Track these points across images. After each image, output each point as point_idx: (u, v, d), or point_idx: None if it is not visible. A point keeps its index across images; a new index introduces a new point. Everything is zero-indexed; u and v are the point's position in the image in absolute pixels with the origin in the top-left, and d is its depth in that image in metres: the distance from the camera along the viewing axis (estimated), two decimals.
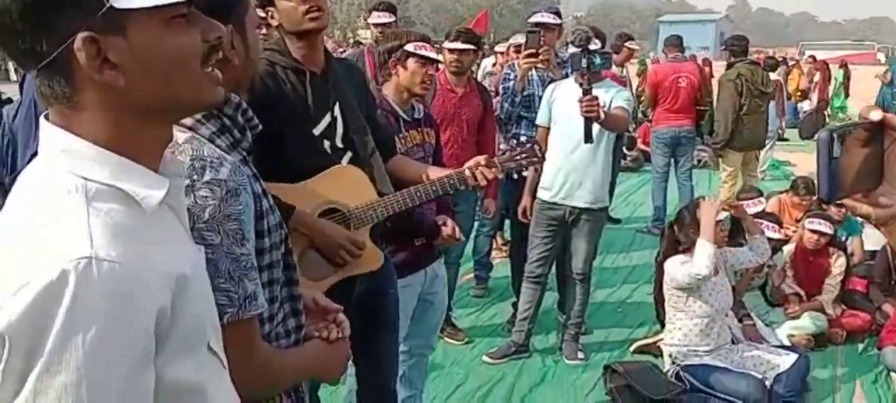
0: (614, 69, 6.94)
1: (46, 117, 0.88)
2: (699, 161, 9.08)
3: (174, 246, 0.90)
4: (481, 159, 2.32)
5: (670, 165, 7.04)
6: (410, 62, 2.82)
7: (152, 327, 0.80)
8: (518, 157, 2.46)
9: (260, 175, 1.33)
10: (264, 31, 2.21)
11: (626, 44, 7.42)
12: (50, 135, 0.87)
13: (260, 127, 1.36)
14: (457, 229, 2.85)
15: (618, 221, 7.26)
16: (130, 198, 0.85)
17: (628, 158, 9.66)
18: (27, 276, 0.75)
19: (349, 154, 2.23)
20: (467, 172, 2.30)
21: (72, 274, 0.74)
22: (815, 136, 0.81)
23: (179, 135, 1.16)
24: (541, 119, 4.07)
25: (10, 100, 3.13)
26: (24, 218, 0.83)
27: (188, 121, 1.23)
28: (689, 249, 3.72)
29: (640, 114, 10.91)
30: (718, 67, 12.06)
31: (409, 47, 2.79)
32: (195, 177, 1.13)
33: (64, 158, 0.85)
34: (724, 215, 3.87)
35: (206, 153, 1.17)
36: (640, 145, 10.88)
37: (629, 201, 8.39)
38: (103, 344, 0.75)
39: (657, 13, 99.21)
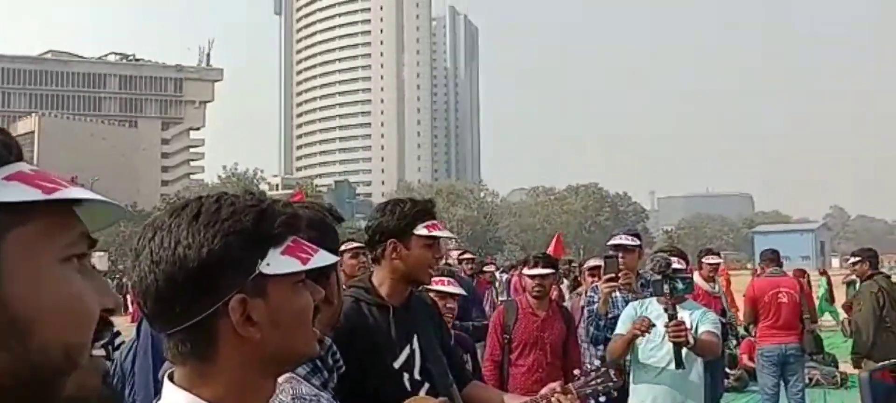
0: (704, 285, 6.86)
1: (170, 378, 0.99)
2: (811, 379, 8.55)
3: None
4: (556, 385, 2.36)
5: (779, 386, 6.69)
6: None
7: None
8: (593, 382, 2.48)
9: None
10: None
11: (704, 259, 7.28)
12: (173, 396, 0.96)
13: (343, 367, 1.50)
14: None
15: None
16: None
17: (732, 377, 9.20)
18: None
19: (427, 385, 2.32)
20: (542, 400, 2.33)
21: None
22: None
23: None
24: (623, 329, 3.93)
25: (118, 333, 3.41)
26: None
27: None
28: None
29: (742, 329, 10.51)
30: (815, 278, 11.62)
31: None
32: None
33: None
34: None
35: (304, 391, 1.32)
36: (745, 362, 10.38)
37: None
38: None
39: (750, 224, 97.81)
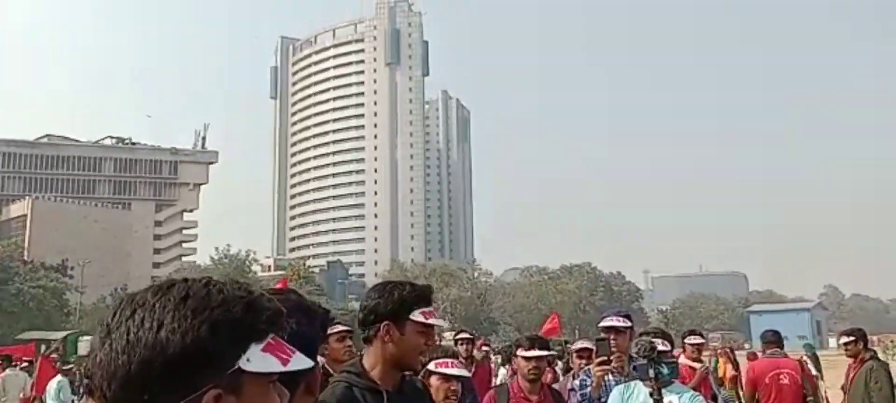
0: (690, 364, 6.83)
1: None
2: None
3: None
4: None
5: None
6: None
7: None
8: None
9: None
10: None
11: (687, 340, 7.18)
12: None
13: None
14: None
15: None
16: None
17: None
18: None
19: None
20: None
21: None
22: None
23: None
24: None
25: None
26: None
27: None
28: None
29: None
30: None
31: (431, 366, 3.01)
32: None
33: None
34: None
35: None
36: None
37: None
38: None
39: (745, 303, 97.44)
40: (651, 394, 3.59)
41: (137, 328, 0.87)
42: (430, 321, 2.36)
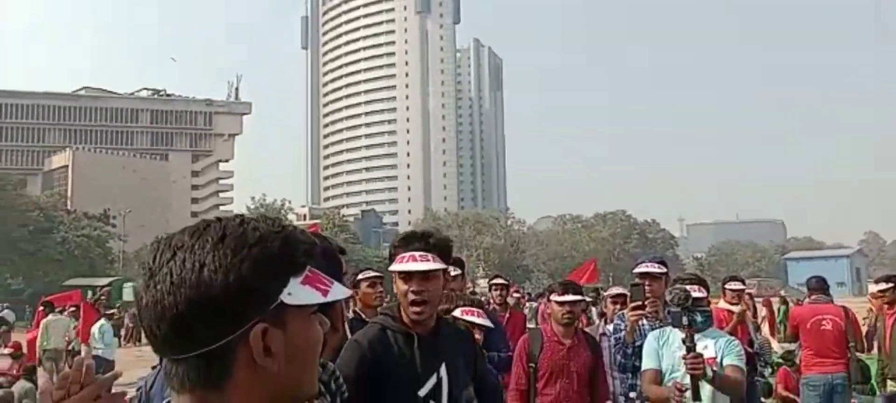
0: (730, 309, 6.77)
1: None
2: None
3: None
4: None
5: None
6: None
7: None
8: None
9: None
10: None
11: (727, 286, 7.09)
12: None
13: (347, 394, 1.52)
14: None
15: None
16: None
17: None
18: None
19: None
20: None
21: None
22: None
23: None
24: (650, 362, 3.90)
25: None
26: None
27: None
28: None
29: (777, 357, 10.28)
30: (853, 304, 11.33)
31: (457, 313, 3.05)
32: None
33: None
34: None
35: None
36: (780, 391, 10.13)
37: None
38: None
39: (782, 251, 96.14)
40: (684, 341, 3.58)
41: (180, 269, 0.89)
42: (395, 267, 2.36)
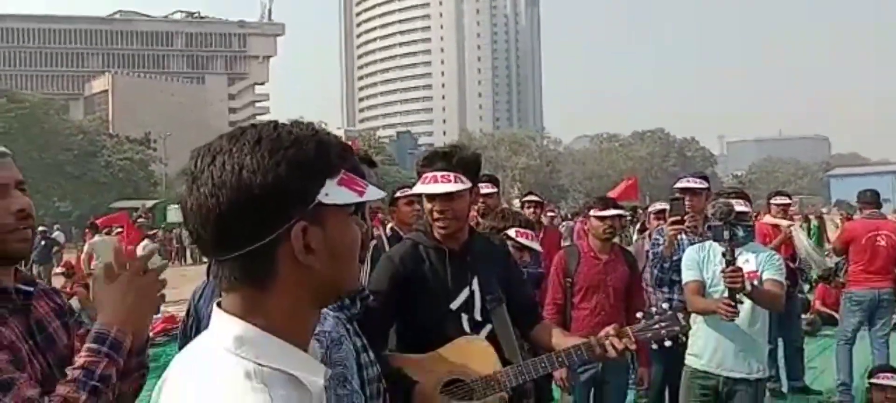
0: (775, 223, 6.71)
1: (219, 305, 0.98)
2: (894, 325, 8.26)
3: None
4: (611, 329, 2.30)
5: (859, 330, 6.50)
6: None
7: None
8: (657, 326, 2.35)
9: (402, 341, 1.44)
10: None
11: (773, 201, 7.09)
12: (225, 323, 0.95)
13: (369, 296, 1.55)
14: None
15: (819, 393, 6.71)
16: (299, 383, 0.93)
17: (803, 322, 8.95)
18: None
19: (489, 326, 2.34)
20: (594, 342, 2.28)
21: None
22: None
23: None
24: (692, 274, 3.83)
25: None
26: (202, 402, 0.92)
27: None
28: None
29: (815, 274, 10.18)
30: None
31: (511, 232, 2.93)
32: None
33: (238, 345, 0.93)
34: None
35: (327, 326, 1.37)
36: (817, 307, 10.08)
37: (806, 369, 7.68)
38: None
39: (826, 168, 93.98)
40: (724, 255, 3.53)
41: (220, 172, 0.92)
42: (416, 189, 2.36)
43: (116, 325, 1.45)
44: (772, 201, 7.09)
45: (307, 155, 0.94)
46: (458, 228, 2.36)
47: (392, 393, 1.77)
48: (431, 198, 2.32)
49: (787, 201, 7.14)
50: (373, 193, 1.02)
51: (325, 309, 1.39)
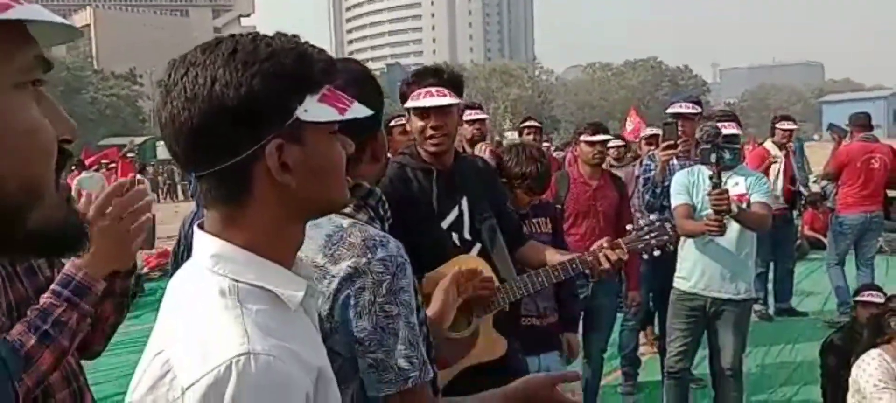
0: (774, 150, 6.70)
1: (200, 226, 0.97)
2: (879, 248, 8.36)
3: (311, 342, 0.98)
4: (604, 242, 2.33)
5: (847, 253, 6.59)
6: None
7: None
8: (647, 236, 2.42)
9: None
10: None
11: (777, 125, 7.04)
12: (203, 242, 0.95)
13: (391, 220, 1.49)
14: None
15: (805, 314, 6.86)
16: (276, 298, 0.92)
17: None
18: (195, 376, 0.82)
19: (479, 245, 2.34)
20: (589, 256, 2.31)
21: (234, 371, 0.82)
22: None
23: (342, 221, 1.31)
24: (681, 198, 3.81)
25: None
26: (185, 320, 0.91)
27: (347, 209, 1.36)
28: (889, 341, 3.15)
29: (803, 201, 10.23)
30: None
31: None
32: (369, 254, 1.25)
33: (215, 262, 0.92)
34: None
35: (373, 233, 1.30)
36: (806, 232, 10.19)
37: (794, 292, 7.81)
38: None
39: (819, 94, 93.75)
40: (711, 177, 3.53)
41: (193, 85, 0.89)
42: (411, 103, 2.28)
43: (85, 269, 1.39)
44: (777, 125, 7.01)
45: (285, 69, 0.90)
46: (449, 146, 2.35)
47: None
48: (425, 114, 2.28)
49: (794, 127, 7.06)
50: (357, 110, 0.97)
51: (382, 233, 1.34)
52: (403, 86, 2.35)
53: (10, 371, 0.74)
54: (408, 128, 2.39)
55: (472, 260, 2.31)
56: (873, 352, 3.11)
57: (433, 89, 2.27)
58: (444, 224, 2.31)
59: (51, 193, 0.64)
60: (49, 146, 0.64)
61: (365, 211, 1.41)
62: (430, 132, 2.28)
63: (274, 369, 0.84)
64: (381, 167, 1.54)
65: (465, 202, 2.35)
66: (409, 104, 2.30)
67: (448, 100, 2.26)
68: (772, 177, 6.26)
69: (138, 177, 13.28)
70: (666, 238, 2.44)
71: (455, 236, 2.33)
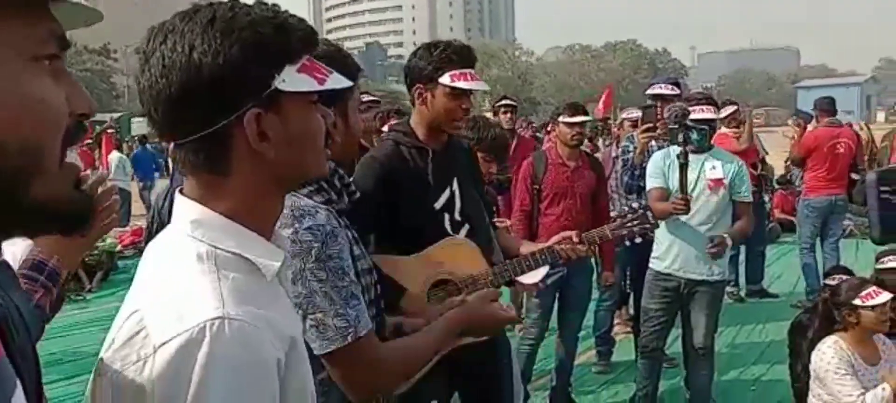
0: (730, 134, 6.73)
1: (180, 191, 0.98)
2: (844, 230, 8.51)
3: (285, 311, 1.00)
4: (571, 234, 2.38)
5: (817, 235, 6.72)
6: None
7: (277, 375, 0.88)
8: (629, 224, 2.47)
9: (386, 242, 1.64)
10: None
11: (723, 111, 6.97)
12: (183, 207, 0.95)
13: (358, 193, 1.54)
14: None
15: (775, 296, 6.96)
16: (253, 266, 0.93)
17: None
18: (168, 335, 0.83)
19: (467, 226, 2.35)
20: (557, 248, 2.39)
21: (207, 333, 0.82)
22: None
23: None
24: (656, 181, 3.86)
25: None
26: (161, 281, 0.92)
27: (304, 191, 1.43)
28: (845, 329, 3.23)
29: (773, 184, 10.38)
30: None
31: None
32: (296, 224, 1.34)
33: (194, 228, 0.93)
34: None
35: (302, 204, 1.39)
36: (777, 214, 10.33)
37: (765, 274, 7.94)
38: (239, 391, 0.83)
39: (794, 79, 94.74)
40: (678, 157, 3.59)
41: (171, 52, 0.89)
42: (459, 84, 2.24)
43: (57, 256, 1.41)
44: (722, 112, 7.01)
45: (263, 38, 0.90)
46: (457, 132, 2.41)
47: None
48: (462, 95, 2.28)
49: (734, 107, 6.94)
50: (336, 80, 0.98)
51: (313, 203, 1.41)
52: (438, 59, 2.26)
53: (32, 337, 0.76)
54: (420, 100, 2.30)
55: (462, 243, 2.32)
56: (829, 340, 3.17)
57: (469, 72, 2.28)
58: (437, 203, 2.31)
59: (54, 165, 0.64)
60: (57, 118, 0.65)
61: (321, 194, 1.46)
62: (461, 113, 2.30)
63: (247, 334, 0.84)
64: (353, 137, 1.58)
65: (455, 183, 2.35)
66: (459, 83, 2.23)
67: (485, 85, 2.33)
68: None
69: (115, 152, 13.12)
70: (648, 226, 2.52)
71: (447, 216, 2.33)
